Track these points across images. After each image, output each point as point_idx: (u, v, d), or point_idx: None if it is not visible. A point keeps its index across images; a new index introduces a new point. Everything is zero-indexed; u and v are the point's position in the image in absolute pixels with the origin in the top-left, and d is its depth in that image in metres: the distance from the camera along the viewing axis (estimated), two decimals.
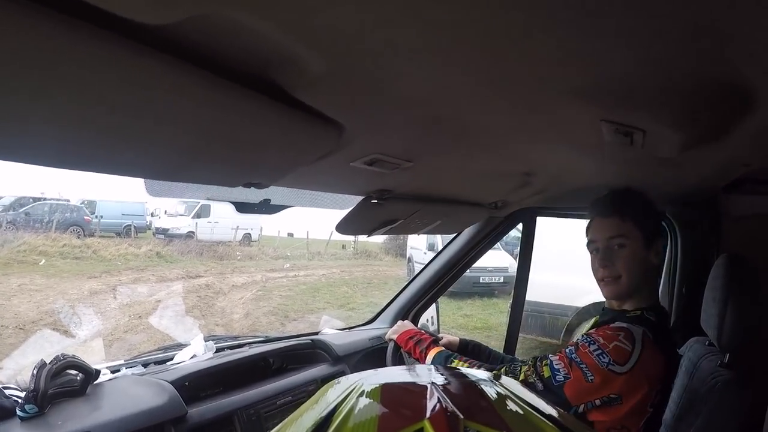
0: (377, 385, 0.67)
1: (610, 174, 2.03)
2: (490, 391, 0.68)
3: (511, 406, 0.65)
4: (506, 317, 3.37)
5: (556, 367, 1.82)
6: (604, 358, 1.72)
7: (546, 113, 1.19)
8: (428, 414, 0.58)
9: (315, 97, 0.98)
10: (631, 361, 1.71)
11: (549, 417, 0.64)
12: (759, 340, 1.81)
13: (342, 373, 2.46)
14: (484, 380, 0.72)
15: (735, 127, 1.18)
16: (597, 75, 0.92)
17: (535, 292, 7.41)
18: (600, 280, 1.95)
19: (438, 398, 0.62)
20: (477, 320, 11.21)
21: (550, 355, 1.88)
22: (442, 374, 0.73)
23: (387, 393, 0.66)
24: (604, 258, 1.89)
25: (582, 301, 7.57)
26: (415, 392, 0.66)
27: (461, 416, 0.58)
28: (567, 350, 1.83)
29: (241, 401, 2.02)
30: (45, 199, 18.98)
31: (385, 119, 1.18)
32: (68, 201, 19.26)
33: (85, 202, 19.50)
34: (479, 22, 0.70)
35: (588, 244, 1.99)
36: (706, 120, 1.11)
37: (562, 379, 1.78)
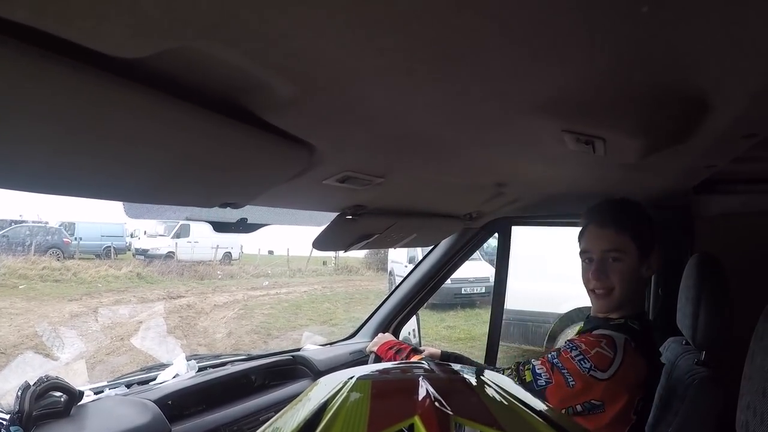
0: (368, 381, 0.67)
1: (580, 181, 2.07)
2: (480, 386, 0.68)
3: (501, 401, 0.65)
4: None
5: (538, 371, 1.81)
6: (585, 363, 1.72)
7: (509, 127, 1.23)
8: (419, 410, 0.59)
9: (285, 120, 1.01)
10: (612, 367, 1.70)
11: (538, 412, 0.64)
12: (733, 336, 1.84)
13: None
14: (474, 376, 0.71)
15: (693, 130, 1.21)
16: (553, 89, 0.96)
17: (515, 301, 7.46)
18: (591, 291, 1.92)
19: (428, 394, 0.62)
20: (460, 331, 11.18)
21: (532, 360, 1.87)
22: (432, 370, 0.73)
23: (377, 389, 0.66)
24: (598, 270, 1.86)
25: (563, 308, 7.61)
26: (405, 388, 0.66)
27: (451, 412, 0.58)
28: (549, 355, 1.83)
29: (224, 418, 2.03)
30: (23, 221, 18.75)
31: (353, 138, 1.21)
32: (47, 223, 19.00)
33: (64, 224, 19.26)
34: (434, 45, 0.74)
35: (581, 253, 1.96)
36: (663, 126, 1.14)
37: (544, 383, 1.78)
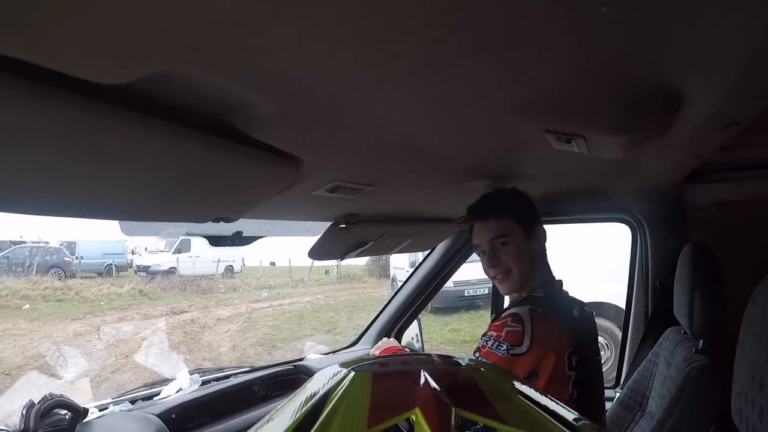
0: (368, 373, 0.66)
1: (572, 179, 2.09)
2: (482, 379, 0.67)
3: (503, 394, 0.65)
4: None
5: None
6: (502, 347, 1.74)
7: (492, 129, 1.26)
8: (419, 401, 0.58)
9: (270, 135, 1.04)
10: (526, 338, 1.73)
11: (541, 405, 0.64)
12: (728, 323, 1.83)
13: None
14: (476, 369, 0.70)
15: (673, 123, 1.23)
16: (531, 91, 0.99)
17: None
18: (494, 278, 1.98)
19: (429, 385, 0.61)
20: (465, 334, 11.16)
21: None
22: (433, 361, 0.73)
23: (378, 380, 0.65)
24: (491, 258, 1.92)
25: None
26: (406, 379, 0.66)
27: (452, 404, 0.57)
28: (475, 358, 1.82)
29: (227, 430, 2.05)
30: (24, 242, 18.73)
31: (339, 149, 1.23)
32: (47, 243, 18.97)
33: (65, 244, 19.24)
34: (411, 56, 0.77)
35: (474, 249, 2.03)
36: (642, 121, 1.16)
37: None
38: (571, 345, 1.80)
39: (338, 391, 0.61)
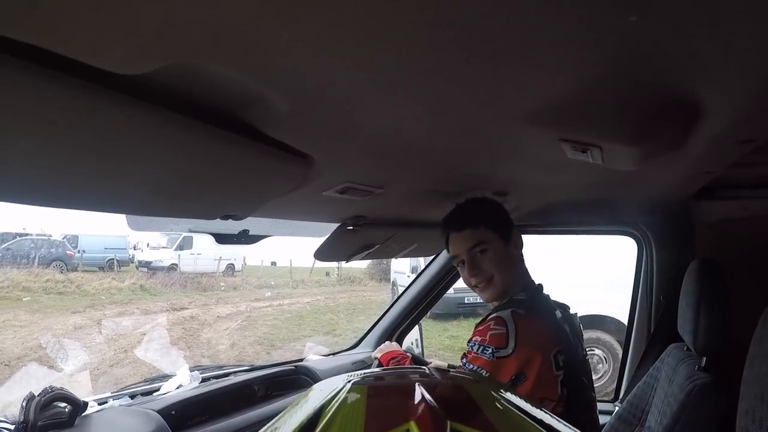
0: (363, 386, 0.65)
1: (581, 188, 2.07)
2: (478, 392, 0.66)
3: (499, 408, 0.64)
4: None
5: None
6: (487, 350, 1.74)
7: (505, 137, 1.24)
8: (414, 415, 0.57)
9: (283, 133, 1.03)
10: (510, 340, 1.73)
11: (538, 421, 0.63)
12: (733, 341, 1.84)
13: None
14: (473, 381, 0.70)
15: (690, 137, 1.21)
16: (547, 98, 0.97)
17: None
18: (475, 287, 1.98)
19: (424, 399, 0.60)
20: (464, 341, 10.96)
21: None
22: (429, 375, 0.72)
23: (373, 394, 0.64)
24: (471, 267, 1.92)
25: None
26: (401, 393, 0.65)
27: (447, 417, 0.57)
28: (462, 363, 1.84)
29: (227, 428, 2.04)
30: (27, 234, 18.77)
31: (352, 150, 1.22)
32: (50, 236, 19.01)
33: (67, 237, 19.27)
34: (426, 60, 0.76)
35: (453, 260, 2.03)
36: (659, 133, 1.14)
37: None
38: (556, 344, 1.80)
39: (333, 405, 0.61)
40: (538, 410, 0.67)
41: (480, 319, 1.91)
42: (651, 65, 0.84)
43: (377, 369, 0.88)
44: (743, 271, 2.15)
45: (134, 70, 0.66)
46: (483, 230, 1.90)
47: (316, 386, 0.71)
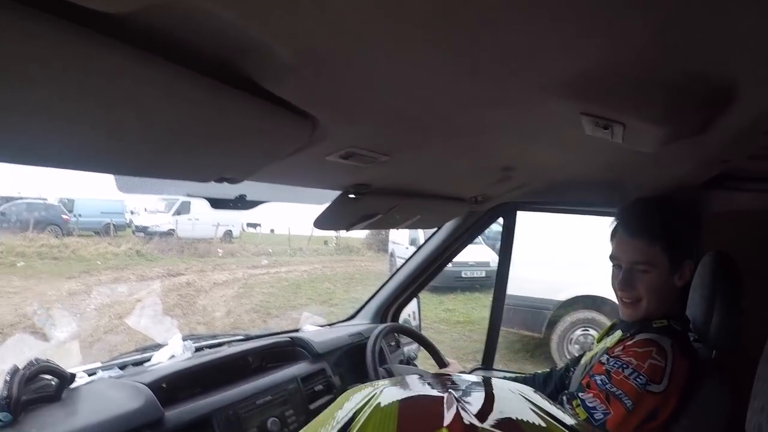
0: (395, 397, 0.65)
1: (590, 169, 2.02)
2: (511, 400, 0.66)
3: (532, 416, 0.63)
4: (488, 311, 3.39)
5: (590, 405, 1.72)
6: (640, 379, 1.66)
7: (523, 108, 1.18)
8: (445, 423, 0.57)
9: (285, 89, 0.95)
10: (665, 377, 1.66)
11: (570, 428, 0.62)
12: (745, 336, 1.80)
13: (322, 371, 2.45)
14: (504, 389, 0.70)
15: (715, 122, 1.17)
16: (575, 68, 0.91)
17: (515, 287, 7.48)
18: (619, 299, 1.89)
19: (456, 407, 0.60)
20: (459, 314, 11.23)
21: (579, 394, 1.77)
22: (460, 383, 0.71)
23: (405, 402, 0.65)
24: (625, 280, 1.83)
25: (563, 295, 7.63)
26: (433, 401, 0.64)
27: (479, 425, 0.57)
28: (598, 381, 1.75)
29: (220, 401, 1.97)
30: (21, 198, 18.74)
31: (358, 112, 1.15)
32: (45, 200, 19.01)
33: (63, 201, 19.29)
34: (447, 13, 0.68)
35: (610, 257, 1.93)
36: (686, 114, 1.09)
37: (602, 416, 1.68)
38: (688, 388, 1.73)
39: (364, 413, 0.62)
40: (572, 420, 0.66)
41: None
42: (693, 44, 0.79)
43: (408, 377, 0.84)
44: (752, 264, 2.09)
45: (118, 8, 0.58)
46: (657, 251, 1.80)
47: (347, 394, 0.71)
